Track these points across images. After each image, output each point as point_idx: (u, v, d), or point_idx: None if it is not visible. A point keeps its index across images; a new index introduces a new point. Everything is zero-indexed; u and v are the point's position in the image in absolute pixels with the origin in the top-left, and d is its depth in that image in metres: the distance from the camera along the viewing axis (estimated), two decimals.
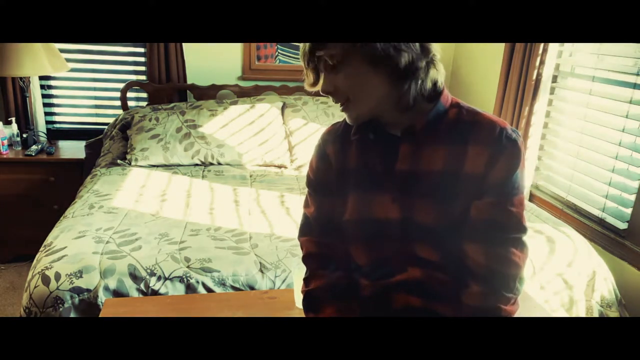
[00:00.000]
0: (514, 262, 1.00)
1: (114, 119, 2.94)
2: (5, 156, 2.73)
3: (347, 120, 1.04)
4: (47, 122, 3.09)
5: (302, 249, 1.19)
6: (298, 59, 3.22)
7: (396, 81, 0.96)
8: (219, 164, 2.68)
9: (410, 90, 0.97)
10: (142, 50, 3.05)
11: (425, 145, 1.00)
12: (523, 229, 1.01)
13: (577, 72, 2.36)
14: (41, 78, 2.98)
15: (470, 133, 0.98)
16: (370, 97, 0.98)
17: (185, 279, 1.61)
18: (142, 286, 1.59)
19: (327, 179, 1.12)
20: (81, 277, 1.57)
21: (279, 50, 3.22)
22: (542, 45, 2.33)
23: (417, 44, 0.94)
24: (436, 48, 0.97)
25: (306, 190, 1.19)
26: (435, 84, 1.00)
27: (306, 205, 1.18)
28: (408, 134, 1.01)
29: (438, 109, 1.00)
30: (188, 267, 1.64)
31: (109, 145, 2.78)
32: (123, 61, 3.10)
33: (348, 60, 0.94)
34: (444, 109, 1.01)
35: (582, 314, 1.85)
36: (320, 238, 1.15)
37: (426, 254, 1.03)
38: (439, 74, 1.00)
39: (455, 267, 1.05)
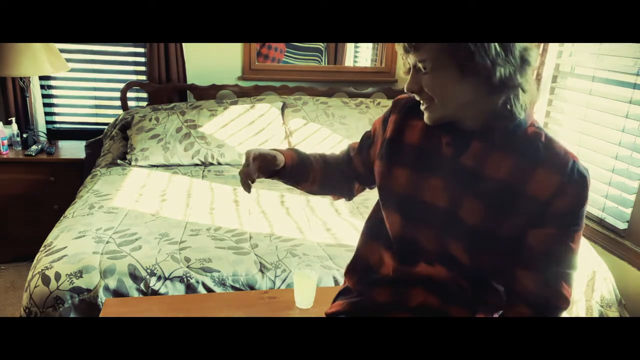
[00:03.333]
0: (564, 296, 1.00)
1: (114, 119, 2.94)
2: (5, 156, 2.72)
3: (426, 121, 1.00)
4: (47, 122, 3.09)
5: None
6: (298, 58, 3.26)
7: (489, 92, 0.93)
8: (219, 164, 2.68)
9: (506, 103, 0.94)
10: (142, 50, 3.05)
11: (496, 150, 0.98)
12: (576, 265, 1.01)
13: (577, 72, 2.36)
14: (41, 78, 2.98)
15: (542, 156, 0.96)
16: (456, 102, 0.95)
17: (185, 279, 1.61)
18: (142, 286, 1.59)
19: (375, 139, 1.16)
20: (81, 277, 1.57)
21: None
22: (542, 45, 2.33)
23: (518, 57, 0.90)
24: (535, 57, 0.94)
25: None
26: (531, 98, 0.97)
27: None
28: (483, 133, 0.98)
29: (521, 122, 0.97)
30: (188, 267, 1.64)
31: (109, 145, 2.78)
32: (123, 61, 3.10)
33: (438, 66, 0.92)
34: (525, 124, 0.98)
35: (582, 314, 1.85)
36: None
37: (458, 254, 1.02)
38: (533, 87, 0.96)
39: (477, 277, 1.04)
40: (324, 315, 1.26)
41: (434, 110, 0.97)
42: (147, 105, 2.98)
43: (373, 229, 1.17)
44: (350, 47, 3.34)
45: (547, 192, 0.95)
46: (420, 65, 0.94)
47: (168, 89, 3.01)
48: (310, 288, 1.42)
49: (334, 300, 1.25)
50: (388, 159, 1.09)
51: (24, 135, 2.84)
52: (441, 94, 0.95)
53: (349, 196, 1.29)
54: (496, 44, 0.88)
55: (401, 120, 1.09)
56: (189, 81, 3.07)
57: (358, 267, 1.19)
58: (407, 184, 1.06)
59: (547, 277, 0.99)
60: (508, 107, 0.94)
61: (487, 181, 0.98)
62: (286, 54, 3.24)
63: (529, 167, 0.96)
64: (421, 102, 0.99)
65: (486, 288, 1.05)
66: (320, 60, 3.29)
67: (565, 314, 1.79)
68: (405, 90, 0.99)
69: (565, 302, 1.00)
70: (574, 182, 0.95)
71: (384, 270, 1.12)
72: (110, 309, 1.40)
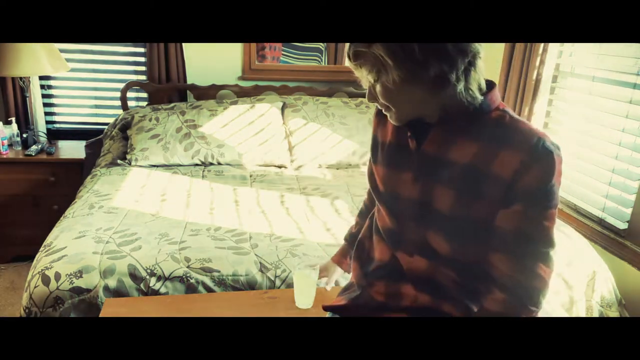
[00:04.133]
0: (540, 276, 0.98)
1: (114, 119, 2.94)
2: (5, 156, 2.72)
3: (392, 123, 1.05)
4: (47, 122, 3.09)
5: None
6: (298, 58, 3.26)
7: (435, 89, 0.95)
8: (219, 164, 2.68)
9: (453, 97, 0.96)
10: (142, 50, 3.05)
11: (458, 136, 1.00)
12: (552, 244, 0.98)
13: (577, 72, 2.36)
14: (41, 78, 2.98)
15: (506, 136, 0.96)
16: (408, 105, 1.00)
17: (185, 279, 1.61)
18: (142, 286, 1.59)
19: (372, 145, 1.20)
20: (81, 277, 1.57)
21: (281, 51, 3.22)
22: (542, 45, 2.33)
23: (453, 50, 0.90)
24: (477, 47, 0.93)
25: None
26: (479, 85, 0.98)
27: None
28: (443, 121, 1.01)
29: (482, 107, 0.99)
30: (188, 267, 1.64)
31: (109, 145, 2.78)
32: (123, 61, 3.10)
33: (379, 76, 0.96)
34: (488, 109, 0.99)
35: (582, 314, 1.85)
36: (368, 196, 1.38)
37: (436, 244, 1.04)
38: (480, 75, 0.97)
39: (464, 268, 1.05)
40: (323, 315, 1.26)
41: (393, 115, 1.02)
42: (147, 105, 2.98)
43: (374, 223, 1.21)
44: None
45: (510, 171, 0.94)
46: (368, 77, 0.98)
47: (168, 89, 3.01)
48: (310, 288, 1.42)
49: (338, 296, 1.26)
50: (372, 159, 1.18)
51: (24, 135, 2.84)
52: (392, 100, 0.99)
53: None
54: (416, 47, 0.90)
55: (378, 121, 1.17)
56: (189, 81, 3.07)
57: (362, 257, 1.23)
58: (386, 180, 1.11)
59: (519, 257, 0.98)
60: (458, 96, 0.96)
61: (453, 167, 1.00)
62: (286, 54, 3.24)
63: (492, 149, 0.97)
64: (383, 108, 1.04)
65: (475, 277, 1.05)
66: (320, 60, 3.29)
67: (562, 311, 1.81)
68: (367, 99, 1.05)
69: (542, 282, 0.98)
70: (539, 158, 0.94)
71: (379, 259, 1.15)
72: (110, 309, 1.40)
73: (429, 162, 1.02)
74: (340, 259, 1.46)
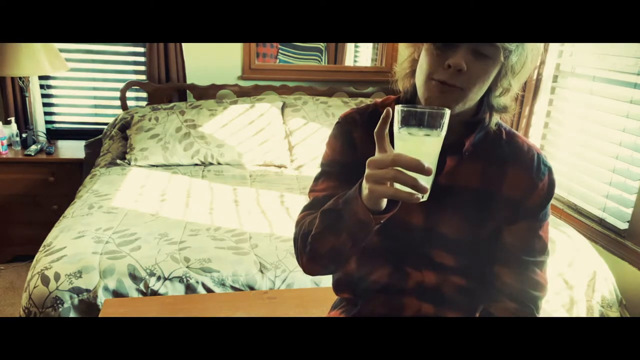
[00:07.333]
0: (540, 283, 1.02)
1: (113, 118, 2.94)
2: (4, 156, 2.72)
3: (448, 108, 0.80)
4: (47, 122, 3.09)
5: (297, 225, 1.02)
6: (298, 58, 3.25)
7: (491, 81, 0.89)
8: (219, 163, 2.68)
9: (487, 96, 0.92)
10: (142, 50, 3.05)
11: (466, 160, 0.97)
12: (548, 252, 1.03)
13: (578, 72, 2.36)
14: (41, 78, 2.98)
15: (509, 155, 0.97)
16: (480, 92, 0.89)
17: (184, 279, 1.61)
18: (141, 286, 1.59)
19: (350, 161, 1.00)
20: (80, 277, 1.57)
21: (280, 50, 3.22)
22: (542, 45, 2.33)
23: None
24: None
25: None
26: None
27: (313, 190, 1.04)
28: (455, 148, 0.95)
29: (488, 124, 0.96)
30: (188, 267, 1.64)
31: (109, 145, 2.78)
32: (123, 61, 3.10)
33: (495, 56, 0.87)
34: (487, 124, 0.97)
35: (582, 314, 1.85)
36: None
37: (443, 260, 1.02)
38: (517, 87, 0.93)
39: (473, 274, 1.04)
40: (325, 315, 1.26)
41: (457, 99, 0.87)
42: (147, 105, 2.98)
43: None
44: (350, 47, 3.34)
45: (520, 191, 0.97)
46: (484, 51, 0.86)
47: (168, 88, 3.01)
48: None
49: (332, 311, 1.23)
50: (349, 182, 0.96)
51: (24, 135, 2.84)
52: (478, 81, 0.87)
53: None
54: None
55: (365, 139, 0.98)
56: (189, 81, 3.07)
57: (348, 280, 1.12)
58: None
59: (522, 268, 1.01)
60: (486, 114, 0.94)
61: (461, 193, 0.97)
62: (286, 53, 3.24)
63: (498, 169, 0.97)
64: (449, 89, 0.87)
65: (483, 282, 1.04)
66: (320, 60, 3.29)
67: (563, 311, 1.80)
68: (453, 66, 0.85)
69: (542, 289, 1.02)
70: (542, 176, 0.97)
71: (377, 275, 1.08)
72: (109, 309, 1.39)
73: (440, 192, 0.95)
74: None
